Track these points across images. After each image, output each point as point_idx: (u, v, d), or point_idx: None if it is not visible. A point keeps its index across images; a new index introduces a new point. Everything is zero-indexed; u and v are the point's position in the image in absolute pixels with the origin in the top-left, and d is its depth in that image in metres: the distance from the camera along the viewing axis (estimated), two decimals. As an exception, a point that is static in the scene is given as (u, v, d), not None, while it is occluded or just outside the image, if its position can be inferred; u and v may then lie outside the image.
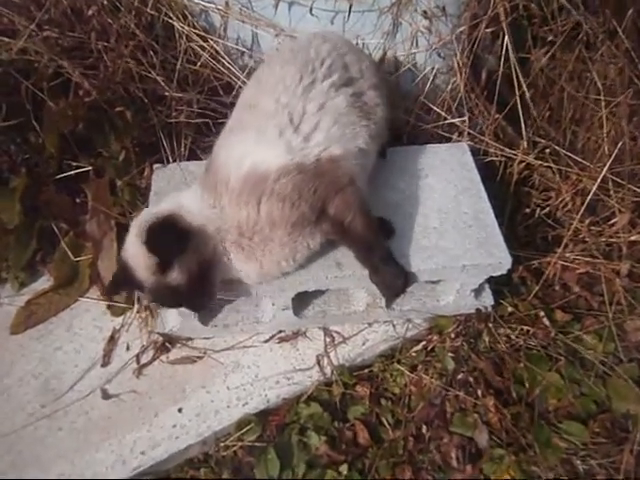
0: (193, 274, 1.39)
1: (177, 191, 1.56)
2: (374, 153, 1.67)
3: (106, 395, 1.67)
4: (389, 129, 1.77)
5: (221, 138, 1.56)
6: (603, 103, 1.97)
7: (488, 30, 1.98)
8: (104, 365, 1.74)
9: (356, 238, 1.51)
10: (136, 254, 1.40)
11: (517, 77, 1.92)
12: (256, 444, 1.59)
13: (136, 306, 1.84)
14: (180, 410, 1.64)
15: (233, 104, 2.13)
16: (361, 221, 1.48)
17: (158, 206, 1.47)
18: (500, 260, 1.62)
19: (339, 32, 1.98)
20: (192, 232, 1.39)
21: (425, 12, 1.91)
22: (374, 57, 2.03)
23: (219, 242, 1.43)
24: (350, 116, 1.54)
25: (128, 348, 1.77)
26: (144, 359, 1.74)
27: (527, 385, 1.68)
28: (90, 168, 1.96)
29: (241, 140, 1.47)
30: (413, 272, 1.60)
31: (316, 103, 1.48)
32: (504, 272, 1.66)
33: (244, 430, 1.60)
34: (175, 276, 1.38)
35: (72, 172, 1.96)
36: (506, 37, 1.88)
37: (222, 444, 1.61)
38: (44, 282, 1.93)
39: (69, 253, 1.89)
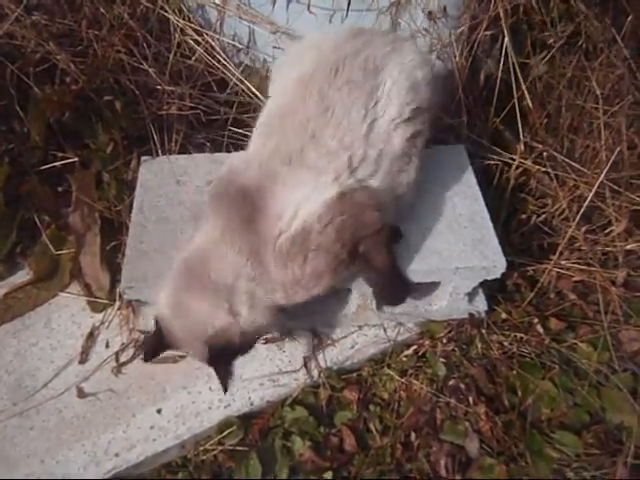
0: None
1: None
2: None
3: (82, 393, 1.61)
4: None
5: (271, 158, 1.39)
6: (601, 111, 1.95)
7: (488, 33, 1.96)
8: (82, 362, 1.67)
9: (375, 274, 1.50)
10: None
11: (516, 81, 1.89)
12: (238, 448, 1.53)
13: (117, 303, 1.78)
14: (159, 411, 1.57)
15: (227, 101, 2.13)
16: (383, 260, 1.47)
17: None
18: (494, 263, 1.58)
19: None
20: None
21: (430, 12, 1.88)
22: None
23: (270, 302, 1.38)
24: (400, 162, 1.47)
25: (107, 345, 1.71)
26: (124, 357, 1.68)
27: (520, 393, 1.63)
28: (76, 159, 1.91)
29: (301, 183, 1.35)
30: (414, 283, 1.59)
31: (377, 149, 1.41)
32: (498, 276, 1.62)
33: (225, 433, 1.54)
34: None
35: (57, 163, 1.91)
36: (506, 39, 1.85)
37: (202, 447, 1.54)
38: (23, 275, 1.86)
39: (50, 246, 1.83)
